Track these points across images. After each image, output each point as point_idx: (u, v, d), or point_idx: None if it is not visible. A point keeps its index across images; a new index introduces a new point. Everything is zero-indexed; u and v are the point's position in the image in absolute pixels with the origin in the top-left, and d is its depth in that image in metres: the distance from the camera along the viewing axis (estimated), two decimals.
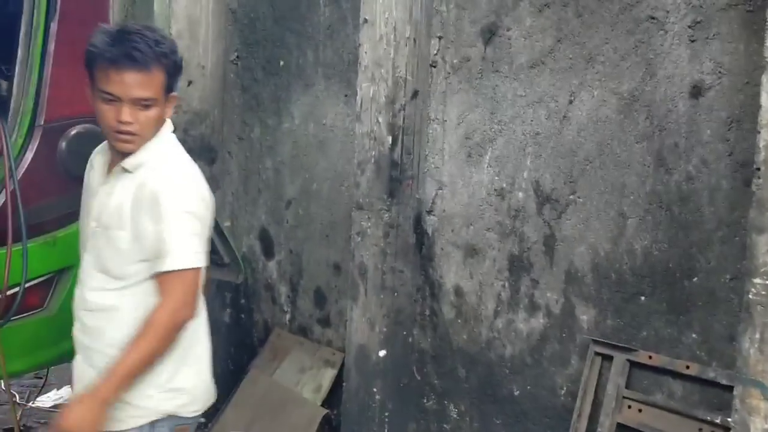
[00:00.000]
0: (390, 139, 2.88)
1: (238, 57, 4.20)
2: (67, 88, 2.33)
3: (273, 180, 4.00)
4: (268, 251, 4.04)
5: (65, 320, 2.47)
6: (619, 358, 2.33)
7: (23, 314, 2.31)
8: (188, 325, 1.78)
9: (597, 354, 2.40)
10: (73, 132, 2.33)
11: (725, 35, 2.03)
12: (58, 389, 4.39)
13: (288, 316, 3.79)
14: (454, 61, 2.84)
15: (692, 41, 2.10)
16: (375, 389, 2.94)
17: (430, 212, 2.95)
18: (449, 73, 2.87)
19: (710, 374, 2.10)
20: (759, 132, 1.80)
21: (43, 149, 2.28)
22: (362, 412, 2.96)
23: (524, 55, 2.59)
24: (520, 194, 2.63)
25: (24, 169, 2.24)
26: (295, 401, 3.29)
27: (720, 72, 2.04)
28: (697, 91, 2.09)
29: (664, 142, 2.19)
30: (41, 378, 4.55)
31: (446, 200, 2.89)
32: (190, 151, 4.27)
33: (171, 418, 1.83)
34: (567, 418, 2.45)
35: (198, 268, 1.78)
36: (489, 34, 2.72)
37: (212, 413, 3.42)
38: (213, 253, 3.64)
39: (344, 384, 3.07)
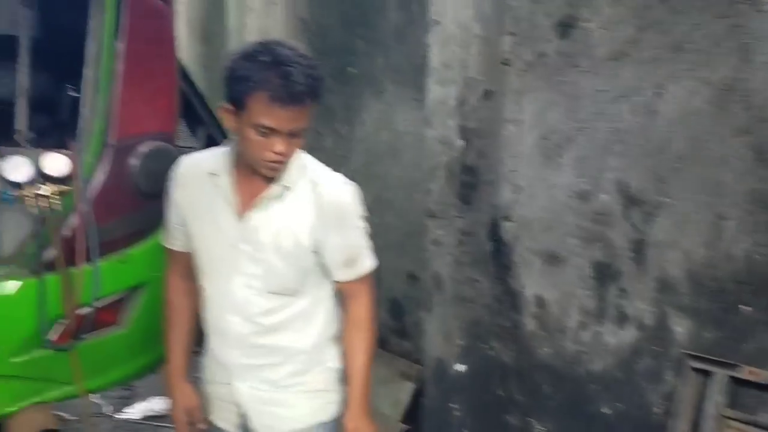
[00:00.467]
0: (461, 142, 2.76)
1: None
2: (136, 106, 2.34)
3: None
4: None
5: (140, 336, 2.50)
6: (719, 374, 2.12)
7: (98, 332, 2.32)
8: None
9: (694, 369, 2.19)
10: (143, 149, 2.34)
11: None
12: (146, 400, 4.49)
13: None
14: (529, 57, 2.69)
15: None
16: (454, 405, 2.81)
17: (506, 218, 2.80)
18: (524, 71, 2.71)
19: None
20: None
21: (114, 168, 2.29)
22: (441, 429, 2.84)
23: (604, 48, 2.41)
24: (605, 197, 2.45)
25: (96, 189, 2.26)
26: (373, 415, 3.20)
27: None
28: None
29: (765, 135, 1.97)
30: (129, 389, 4.67)
31: (524, 205, 2.74)
32: None
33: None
34: None
35: None
36: (565, 27, 2.55)
37: None
38: None
39: (422, 399, 2.96)
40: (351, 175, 3.86)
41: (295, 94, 1.58)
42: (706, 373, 2.16)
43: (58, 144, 2.30)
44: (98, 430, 2.75)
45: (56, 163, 2.19)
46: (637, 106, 2.31)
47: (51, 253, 2.16)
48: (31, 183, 2.15)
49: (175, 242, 1.92)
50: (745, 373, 2.06)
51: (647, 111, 2.28)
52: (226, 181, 1.78)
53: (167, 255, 1.95)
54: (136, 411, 4.10)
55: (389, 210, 3.55)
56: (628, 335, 2.39)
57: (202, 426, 1.96)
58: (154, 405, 4.15)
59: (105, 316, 2.34)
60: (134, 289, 2.42)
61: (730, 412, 2.11)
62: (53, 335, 2.16)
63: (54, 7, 2.88)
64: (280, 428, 1.90)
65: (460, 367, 2.81)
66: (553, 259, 2.64)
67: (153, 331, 2.58)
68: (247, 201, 1.77)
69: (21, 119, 2.23)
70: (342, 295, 1.91)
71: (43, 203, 2.16)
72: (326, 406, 1.94)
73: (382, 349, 3.49)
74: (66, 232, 2.18)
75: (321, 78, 1.67)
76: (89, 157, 2.26)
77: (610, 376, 2.45)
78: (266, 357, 1.85)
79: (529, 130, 2.70)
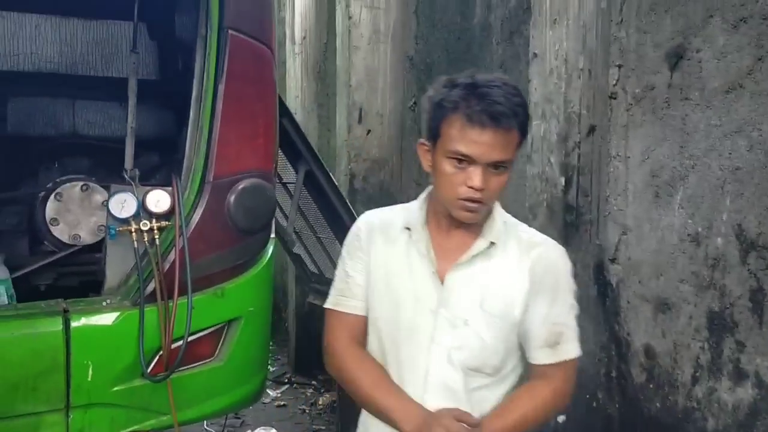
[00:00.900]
0: (563, 180, 2.64)
1: (415, 103, 4.20)
2: (234, 144, 2.42)
3: None
4: None
5: (236, 368, 2.55)
6: None
7: (194, 364, 2.39)
8: None
9: None
10: (240, 186, 2.40)
11: None
12: (253, 430, 4.59)
13: None
14: (637, 90, 2.54)
15: None
16: None
17: (613, 260, 2.63)
18: (631, 105, 2.57)
19: None
20: None
21: (212, 204, 2.37)
22: None
23: (718, 79, 2.23)
24: (720, 240, 2.24)
25: (194, 224, 2.34)
26: None
27: None
28: None
29: None
30: (238, 418, 4.80)
31: (632, 246, 2.56)
32: (370, 198, 4.37)
33: None
34: None
35: None
36: (676, 58, 2.39)
37: None
38: None
39: None
40: None
41: (494, 114, 1.39)
42: None
43: (163, 181, 2.42)
44: None
45: (159, 200, 2.30)
46: (754, 142, 2.11)
47: (151, 286, 2.25)
48: (136, 218, 2.26)
49: (352, 304, 1.63)
50: None
51: (765, 147, 2.08)
52: (422, 236, 1.55)
53: (333, 320, 1.64)
54: None
55: None
56: (746, 394, 2.15)
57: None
58: None
59: (201, 349, 2.41)
60: (230, 322, 2.47)
61: None
62: (151, 366, 2.24)
63: (162, 51, 3.07)
64: None
65: (561, 418, 2.64)
66: (663, 306, 2.44)
67: (249, 363, 2.63)
68: (446, 258, 1.55)
69: (129, 158, 2.36)
70: (532, 377, 1.62)
71: (146, 238, 2.26)
72: None
73: None
74: (166, 266, 2.27)
75: (525, 104, 1.47)
76: (190, 194, 2.35)
77: None
78: None
79: (637, 168, 2.54)
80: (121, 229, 2.26)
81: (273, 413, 5.00)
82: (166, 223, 2.31)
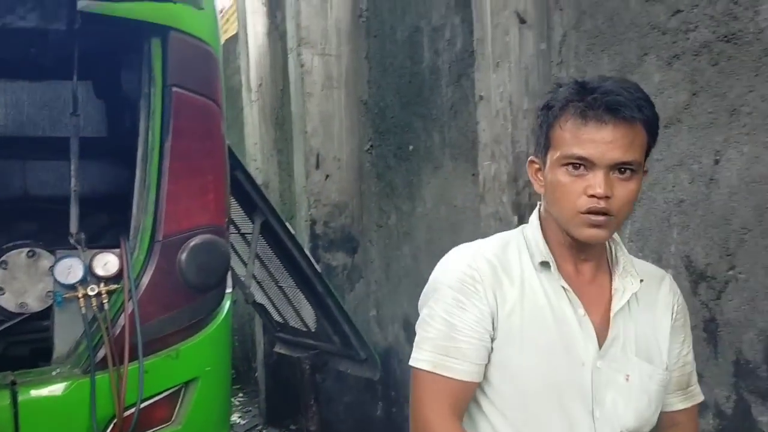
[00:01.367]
0: (516, 218, 2.66)
1: (371, 146, 4.22)
2: (184, 201, 2.39)
3: (412, 266, 3.88)
4: (412, 341, 3.88)
5: (195, 431, 2.48)
6: None
7: (151, 430, 2.32)
8: None
9: None
10: (192, 243, 2.37)
11: None
12: None
13: None
14: None
15: None
16: None
17: None
18: None
19: None
20: None
21: (163, 264, 2.33)
22: None
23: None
24: (670, 272, 2.25)
25: (145, 285, 2.30)
26: None
27: None
28: None
29: None
30: None
31: None
32: (332, 243, 4.35)
33: None
34: None
35: None
36: None
37: None
38: (349, 348, 3.58)
39: None
40: (414, 252, 3.82)
41: (612, 104, 1.16)
42: None
43: (113, 242, 2.38)
44: None
45: (106, 263, 2.25)
46: (696, 175, 2.15)
47: (102, 352, 2.20)
48: (83, 284, 2.21)
49: (461, 368, 1.24)
50: None
51: (707, 179, 2.12)
52: (556, 271, 1.27)
53: (430, 385, 1.24)
54: None
55: None
56: (708, 425, 2.16)
57: None
58: None
59: (158, 413, 2.34)
60: (186, 384, 2.41)
61: None
62: None
63: (109, 109, 3.05)
64: None
65: None
66: None
67: (209, 424, 2.56)
68: (587, 299, 1.27)
69: (73, 221, 2.31)
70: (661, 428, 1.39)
71: (94, 303, 2.21)
72: None
73: None
74: (117, 330, 2.21)
75: (649, 99, 1.23)
76: (139, 254, 2.31)
77: None
78: None
79: None
80: (68, 295, 2.20)
81: None
82: (115, 286, 2.26)
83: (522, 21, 2.62)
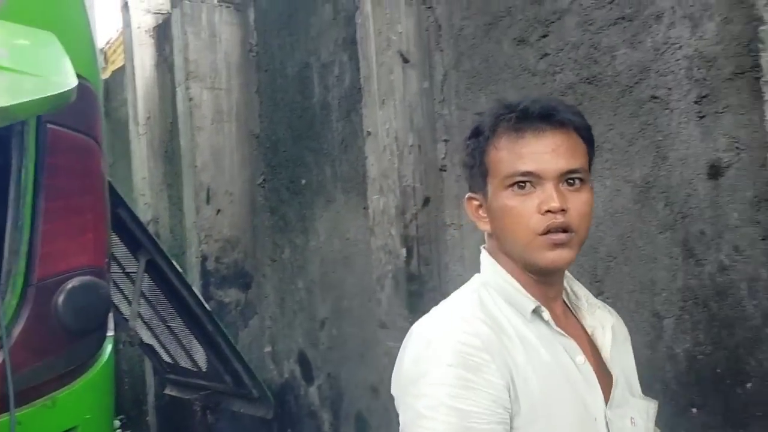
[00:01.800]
0: (404, 251, 2.72)
1: (264, 180, 4.20)
2: (60, 242, 2.29)
3: (306, 300, 3.87)
4: (308, 376, 3.86)
5: None
6: None
7: None
8: None
9: None
10: (69, 286, 2.26)
11: (736, 107, 1.81)
12: None
13: None
14: None
15: (701, 117, 1.88)
16: None
17: None
18: (460, 176, 2.71)
19: None
20: None
21: (37, 308, 2.21)
22: None
23: None
24: None
25: (18, 331, 2.17)
26: None
27: (737, 147, 1.81)
28: (715, 171, 1.86)
29: (689, 231, 1.94)
30: None
31: None
32: (224, 279, 4.28)
33: None
34: None
35: None
36: None
37: None
38: (241, 387, 3.51)
39: None
40: (309, 285, 3.82)
41: (545, 110, 1.09)
42: None
43: None
44: None
45: None
46: None
47: None
48: None
49: None
50: None
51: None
52: (551, 318, 1.13)
53: None
54: None
55: (347, 320, 3.47)
56: None
57: None
58: None
59: None
60: None
61: None
62: None
63: None
64: None
65: None
66: None
67: None
68: (578, 343, 1.14)
69: None
70: None
71: None
72: None
73: None
74: None
75: (580, 112, 1.15)
76: (11, 299, 2.19)
77: None
78: None
79: (471, 234, 2.67)
80: None
81: None
82: None
83: (405, 60, 2.72)
